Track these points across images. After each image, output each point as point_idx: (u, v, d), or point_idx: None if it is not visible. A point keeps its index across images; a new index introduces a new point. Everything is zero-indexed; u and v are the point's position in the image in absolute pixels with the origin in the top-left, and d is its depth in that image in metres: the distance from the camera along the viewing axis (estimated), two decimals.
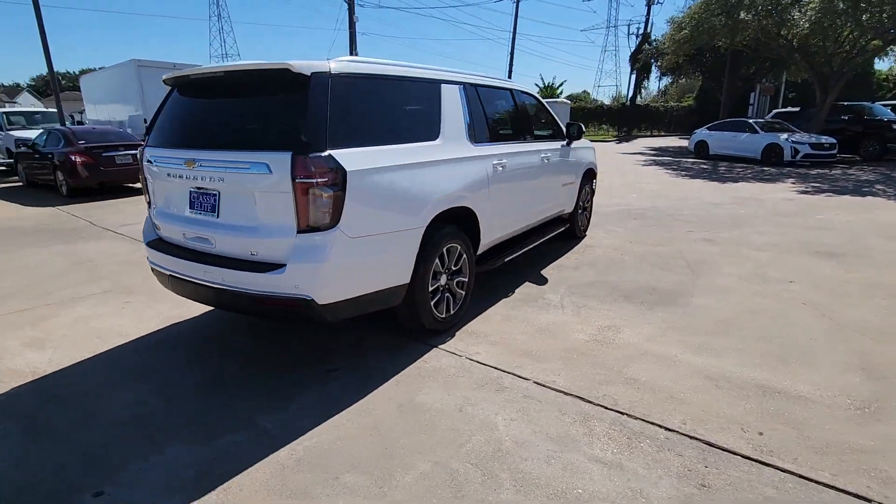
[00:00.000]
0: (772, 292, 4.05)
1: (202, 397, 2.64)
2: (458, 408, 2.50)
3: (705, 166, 14.28)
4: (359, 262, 2.61)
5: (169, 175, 2.85)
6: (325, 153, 2.40)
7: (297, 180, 2.37)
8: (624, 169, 13.77)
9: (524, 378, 2.79)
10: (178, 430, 2.35)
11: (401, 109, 3.01)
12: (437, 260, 3.17)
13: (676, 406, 2.49)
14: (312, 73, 2.47)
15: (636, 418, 2.40)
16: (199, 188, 2.73)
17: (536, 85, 46.33)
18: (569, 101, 28.81)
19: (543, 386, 2.70)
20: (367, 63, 2.82)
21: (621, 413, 2.44)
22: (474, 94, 3.73)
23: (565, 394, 2.62)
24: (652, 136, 32.73)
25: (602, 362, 2.95)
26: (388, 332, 3.38)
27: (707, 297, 3.98)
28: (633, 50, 29.06)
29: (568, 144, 5.16)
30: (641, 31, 31.18)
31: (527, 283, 4.37)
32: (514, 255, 4.15)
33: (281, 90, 2.54)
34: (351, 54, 23.44)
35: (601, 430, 2.31)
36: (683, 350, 3.08)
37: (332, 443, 2.24)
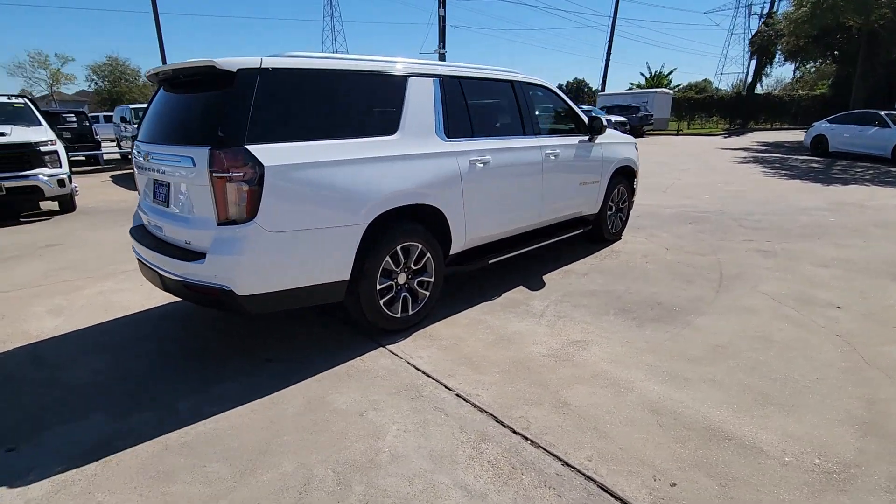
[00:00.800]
0: (803, 318, 3.41)
1: (151, 373, 2.86)
2: (361, 412, 2.44)
3: (816, 165, 12.40)
4: (281, 256, 2.63)
5: (139, 167, 3.10)
6: (241, 148, 2.44)
7: (213, 174, 2.44)
8: (712, 166, 12.42)
9: (448, 388, 2.64)
10: (111, 402, 2.57)
11: (347, 104, 2.96)
12: (388, 258, 3.11)
13: (594, 439, 2.20)
14: (238, 70, 2.52)
15: (538, 447, 2.16)
16: (156, 180, 2.94)
17: (642, 74, 43.38)
18: (670, 91, 26.58)
19: (462, 399, 2.54)
20: (309, 58, 2.82)
21: (525, 438, 2.21)
22: (456, 87, 3.57)
23: (479, 410, 2.44)
24: (772, 128, 29.13)
25: (543, 380, 2.70)
26: (350, 326, 3.39)
27: (717, 317, 3.46)
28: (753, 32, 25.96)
29: (590, 140, 4.76)
30: (766, 11, 27.71)
31: (521, 287, 4.13)
32: (500, 258, 3.93)
33: (212, 87, 2.63)
34: (439, 48, 23.73)
35: (489, 455, 2.11)
36: (647, 376, 2.71)
37: (224, 430, 2.31)
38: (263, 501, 1.88)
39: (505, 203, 3.90)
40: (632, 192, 5.67)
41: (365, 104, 3.05)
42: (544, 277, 4.37)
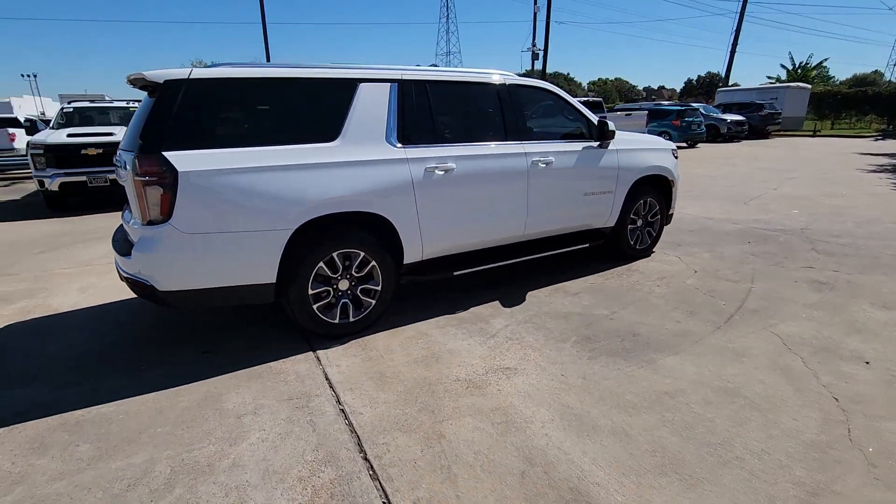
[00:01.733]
0: (805, 371, 2.78)
1: (110, 351, 3.18)
2: (241, 415, 2.49)
3: None
4: (197, 256, 2.77)
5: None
6: (157, 154, 2.61)
7: (135, 178, 2.65)
8: (829, 175, 10.57)
9: (339, 402, 2.59)
10: (60, 374, 2.92)
11: (280, 112, 3.01)
12: (322, 264, 3.12)
13: (438, 481, 2.01)
14: (164, 81, 2.69)
15: (375, 478, 2.03)
16: (123, 182, 3.26)
17: (783, 66, 38.20)
18: (807, 86, 23.03)
19: (344, 416, 2.47)
20: (241, 68, 2.91)
21: (370, 468, 2.09)
22: (420, 91, 3.46)
23: (351, 430, 2.36)
24: None
25: (437, 406, 2.53)
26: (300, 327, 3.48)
27: (692, 358, 2.96)
28: None
29: (601, 146, 4.32)
30: None
31: (496, 302, 3.90)
32: (467, 271, 3.74)
33: (149, 96, 2.84)
34: (533, 45, 23.14)
35: (321, 480, 2.03)
36: (552, 418, 2.41)
37: (116, 414, 2.50)
38: (93, 487, 2.01)
39: (476, 213, 3.70)
40: (667, 204, 5.04)
41: (301, 112, 3.08)
42: (530, 293, 4.07)
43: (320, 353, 3.13)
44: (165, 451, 2.22)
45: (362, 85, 3.24)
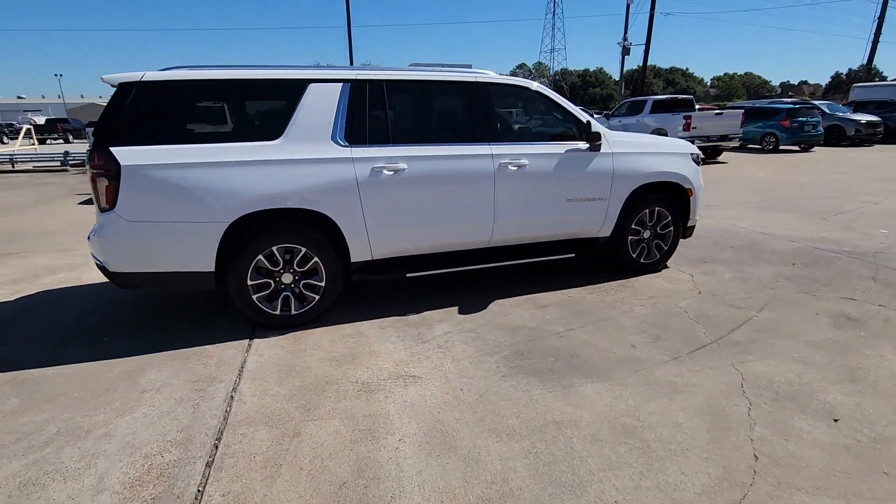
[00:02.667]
0: (745, 419, 2.37)
1: (108, 320, 3.62)
2: (144, 390, 2.70)
3: None
4: (139, 242, 3.05)
5: None
6: (104, 149, 2.92)
7: (89, 169, 2.98)
8: None
9: (234, 389, 2.71)
10: (43, 336, 3.38)
11: (225, 112, 3.19)
12: (261, 257, 3.27)
13: (259, 475, 2.03)
14: (119, 84, 2.99)
15: (207, 465, 2.11)
16: None
17: None
18: None
19: (228, 403, 2.58)
20: (194, 70, 3.13)
21: (214, 452, 2.17)
22: (376, 91, 3.47)
23: (224, 418, 2.46)
24: None
25: (318, 405, 2.54)
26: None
27: (619, 389, 2.65)
28: None
29: (591, 149, 3.99)
30: None
31: (453, 308, 3.79)
32: (421, 274, 3.68)
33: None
34: (624, 40, 21.72)
35: (157, 461, 2.15)
36: (418, 432, 2.31)
37: (55, 377, 2.85)
38: None
39: (433, 216, 3.62)
40: (683, 215, 4.51)
41: (246, 112, 3.24)
42: (496, 302, 3.90)
43: (256, 341, 3.29)
44: (65, 413, 2.50)
45: (311, 86, 3.32)
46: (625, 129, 15.17)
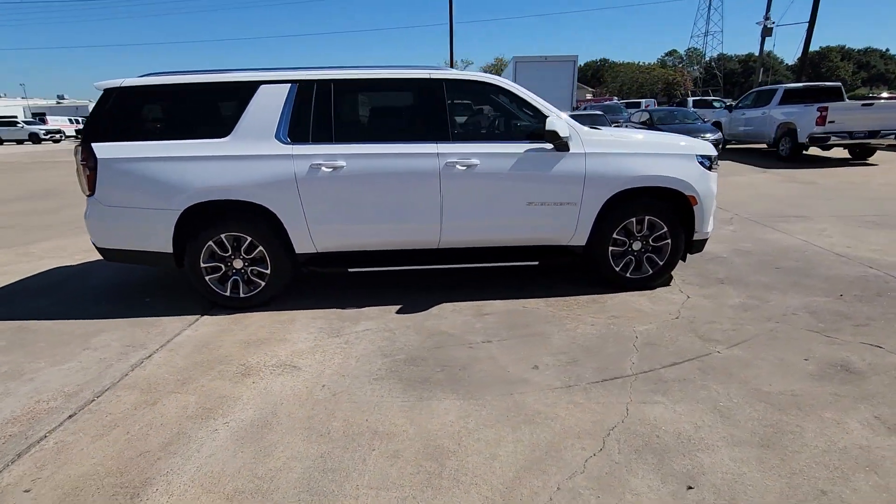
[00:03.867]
0: (579, 459, 2.06)
1: (103, 287, 4.37)
2: (86, 348, 3.21)
3: None
4: (112, 224, 3.60)
5: None
6: (87, 144, 3.49)
7: (78, 161, 3.59)
8: None
9: (149, 357, 3.09)
10: (58, 297, 4.17)
11: (186, 112, 3.56)
12: (211, 243, 3.64)
13: (85, 433, 2.34)
14: (105, 89, 3.54)
15: (70, 418, 2.48)
16: None
17: None
18: None
19: (133, 367, 2.97)
20: (163, 76, 3.56)
21: (82, 406, 2.55)
22: (322, 91, 3.60)
23: (118, 378, 2.84)
24: None
25: (190, 380, 2.79)
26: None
27: (479, 409, 2.48)
28: None
29: (557, 148, 3.66)
30: None
31: (395, 307, 3.79)
32: (362, 270, 3.76)
33: None
34: (766, 16, 18.66)
35: (34, 407, 2.58)
36: (228, 414, 2.43)
37: (40, 328, 3.51)
38: None
39: (374, 213, 3.66)
40: (686, 226, 3.92)
41: (202, 112, 3.59)
42: (443, 305, 3.81)
43: (204, 318, 3.67)
44: (21, 357, 3.09)
45: (262, 87, 3.58)
46: (747, 122, 13.26)
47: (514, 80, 15.94)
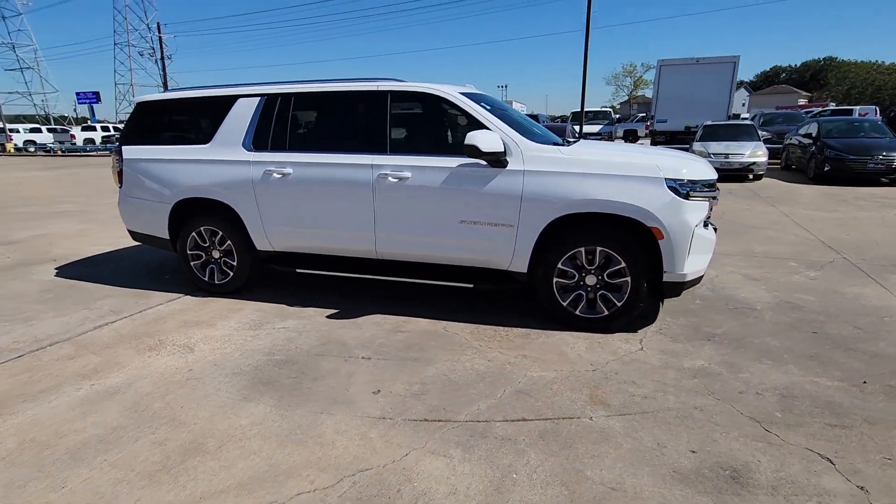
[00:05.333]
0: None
1: (129, 264, 5.36)
2: (81, 311, 4.04)
3: None
4: (133, 211, 4.43)
5: None
6: (118, 146, 4.38)
7: (112, 160, 4.51)
8: None
9: (113, 323, 3.77)
10: (92, 270, 5.27)
11: (186, 122, 4.19)
12: (194, 234, 4.25)
13: (12, 377, 3.00)
14: (137, 103, 4.40)
15: (16, 358, 3.20)
16: None
17: None
18: None
19: (98, 327, 3.66)
20: (177, 91, 4.27)
21: (18, 357, 3.27)
22: (283, 103, 3.91)
23: (74, 337, 3.54)
24: None
25: (111, 346, 3.34)
26: None
27: (281, 411, 2.51)
28: None
29: (494, 164, 3.38)
30: None
31: (333, 311, 3.93)
32: (307, 271, 3.98)
33: None
34: None
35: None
36: (82, 383, 2.86)
37: (80, 289, 4.52)
38: None
39: (316, 219, 3.85)
40: (651, 263, 3.27)
41: (194, 121, 4.19)
42: (371, 316, 3.80)
43: (185, 297, 4.30)
44: (48, 307, 4.04)
45: (238, 100, 4.04)
46: None
47: (658, 87, 14.51)
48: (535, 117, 19.32)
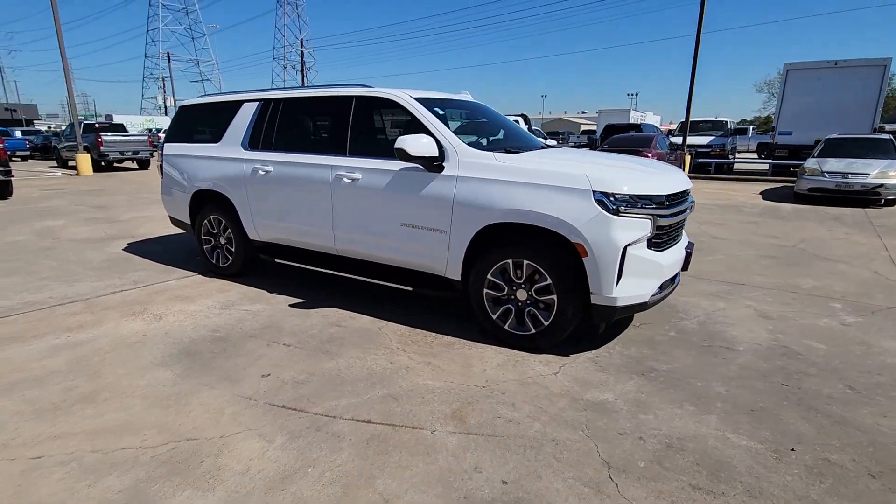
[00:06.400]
0: None
1: (160, 251, 6.18)
2: (120, 276, 4.83)
3: None
4: (169, 199, 5.17)
5: None
6: (164, 143, 5.16)
7: (159, 154, 5.31)
8: None
9: (130, 289, 4.47)
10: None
11: (209, 123, 4.77)
12: (206, 221, 4.85)
13: (39, 322, 3.74)
14: (179, 106, 5.14)
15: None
16: None
17: None
18: None
19: (114, 293, 4.38)
20: (206, 97, 4.90)
21: (49, 309, 4.04)
22: (275, 107, 4.30)
23: (101, 297, 4.27)
24: None
25: (116, 308, 3.98)
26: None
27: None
28: None
29: (429, 168, 3.40)
30: None
31: (298, 300, 4.23)
32: (284, 262, 4.31)
33: None
34: None
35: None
36: (49, 352, 3.44)
37: (131, 261, 5.40)
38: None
39: (288, 214, 4.18)
40: (576, 280, 3.03)
41: (211, 122, 4.75)
42: (322, 310, 4.00)
43: (196, 276, 4.92)
44: (99, 274, 4.91)
45: (244, 104, 4.53)
46: None
47: (783, 94, 12.75)
48: (636, 127, 18.01)
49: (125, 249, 5.96)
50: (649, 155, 11.36)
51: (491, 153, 3.33)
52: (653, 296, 3.06)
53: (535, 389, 2.78)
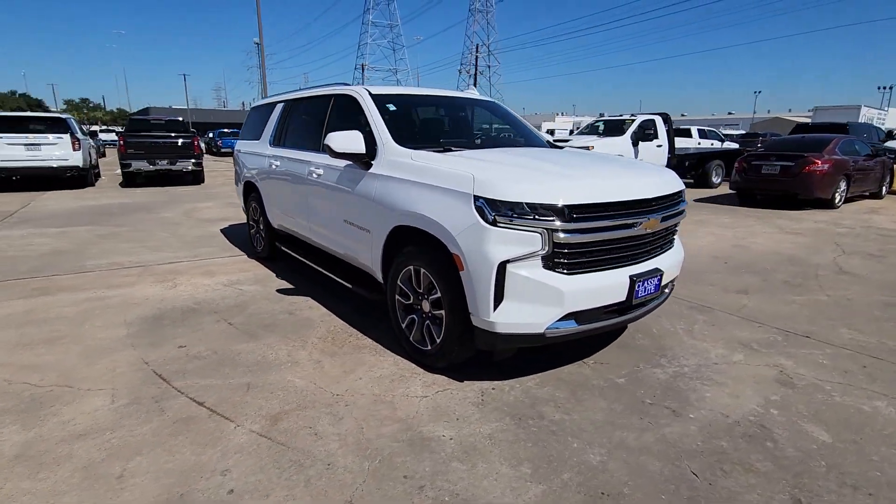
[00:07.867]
0: None
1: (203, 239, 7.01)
2: (176, 253, 5.80)
3: None
4: (237, 190, 6.03)
5: None
6: (238, 141, 6.01)
7: (235, 151, 6.17)
8: None
9: (172, 262, 5.36)
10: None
11: (260, 122, 5.36)
12: (250, 209, 5.53)
13: (75, 286, 4.78)
14: (250, 108, 5.92)
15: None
16: None
17: None
18: None
19: (122, 268, 5.30)
20: (264, 99, 5.56)
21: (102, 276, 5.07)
22: (289, 107, 4.70)
23: (130, 266, 5.23)
24: None
25: (150, 276, 4.83)
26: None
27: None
28: None
29: (363, 166, 3.35)
30: None
31: (287, 286, 4.54)
32: (287, 251, 4.68)
33: None
34: None
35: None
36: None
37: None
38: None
39: (289, 205, 4.52)
40: (457, 294, 2.68)
41: (261, 122, 5.34)
42: (314, 300, 4.25)
43: (242, 256, 5.63)
44: (182, 253, 6.00)
45: (277, 105, 5.03)
46: None
47: None
48: (842, 128, 14.30)
49: (222, 230, 7.10)
50: (819, 161, 9.02)
51: (411, 151, 3.12)
52: (551, 328, 2.50)
53: (380, 409, 2.54)
